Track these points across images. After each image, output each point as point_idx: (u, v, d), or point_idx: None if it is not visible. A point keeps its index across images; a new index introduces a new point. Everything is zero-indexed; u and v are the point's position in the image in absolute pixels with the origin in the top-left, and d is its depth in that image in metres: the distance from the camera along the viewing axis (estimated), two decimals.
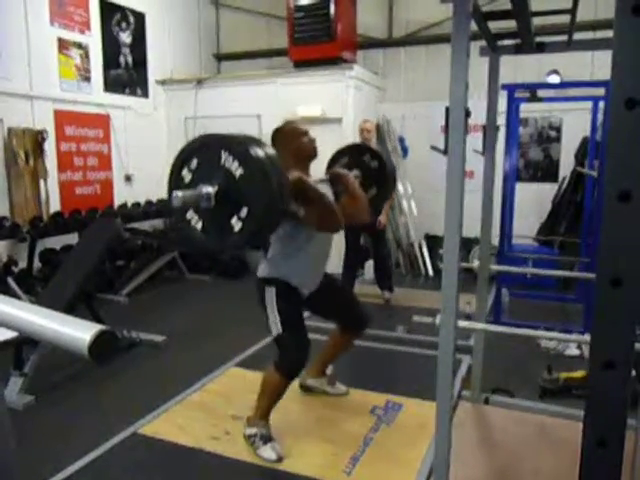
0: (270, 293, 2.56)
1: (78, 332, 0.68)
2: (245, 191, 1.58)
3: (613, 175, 0.70)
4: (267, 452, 2.56)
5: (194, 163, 1.64)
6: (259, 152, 1.64)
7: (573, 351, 3.82)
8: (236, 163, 1.58)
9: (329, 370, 3.17)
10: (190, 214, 1.67)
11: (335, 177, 2.71)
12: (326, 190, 2.58)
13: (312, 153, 2.61)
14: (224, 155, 1.59)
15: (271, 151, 1.75)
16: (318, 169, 2.80)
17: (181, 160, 1.67)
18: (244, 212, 1.59)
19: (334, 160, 3.05)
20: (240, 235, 1.61)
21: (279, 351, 2.57)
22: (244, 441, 2.68)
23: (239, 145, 1.60)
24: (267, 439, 2.59)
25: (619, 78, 0.66)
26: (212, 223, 1.64)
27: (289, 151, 2.53)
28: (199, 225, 1.66)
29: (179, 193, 1.52)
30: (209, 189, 1.56)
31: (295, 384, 3.01)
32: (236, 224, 1.60)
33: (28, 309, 0.76)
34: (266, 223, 1.67)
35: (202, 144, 1.68)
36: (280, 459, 2.53)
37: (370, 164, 2.99)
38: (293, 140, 2.57)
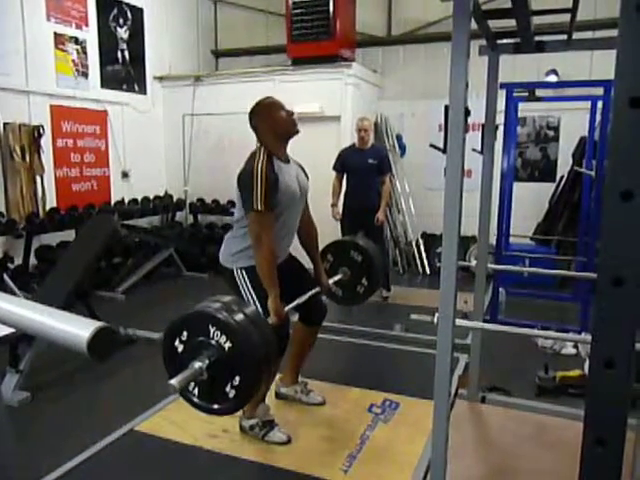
0: (243, 277, 2.52)
1: (77, 329, 0.68)
2: (235, 362, 1.69)
3: (615, 174, 0.70)
4: (276, 436, 2.64)
5: (185, 335, 1.74)
6: (244, 322, 1.73)
7: (570, 350, 3.83)
8: (224, 337, 1.68)
9: (300, 378, 3.11)
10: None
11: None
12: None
13: (291, 128, 2.54)
14: (212, 329, 1.69)
15: (254, 314, 1.83)
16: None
17: (173, 333, 1.76)
18: (237, 380, 1.70)
19: (323, 255, 3.07)
20: (235, 400, 1.73)
21: None
22: (242, 437, 2.68)
23: (225, 322, 1.70)
24: (270, 424, 2.66)
25: (623, 76, 0.66)
26: (208, 390, 1.75)
27: (267, 126, 2.50)
28: (196, 391, 1.76)
29: (174, 382, 1.61)
30: (200, 364, 1.66)
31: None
32: (230, 392, 1.71)
33: (27, 306, 0.76)
34: (258, 387, 1.79)
35: (191, 319, 1.77)
36: (289, 439, 2.63)
37: (357, 258, 3.09)
38: (270, 114, 2.51)
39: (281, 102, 2.58)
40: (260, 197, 2.35)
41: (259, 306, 2.42)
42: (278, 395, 3.09)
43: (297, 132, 2.57)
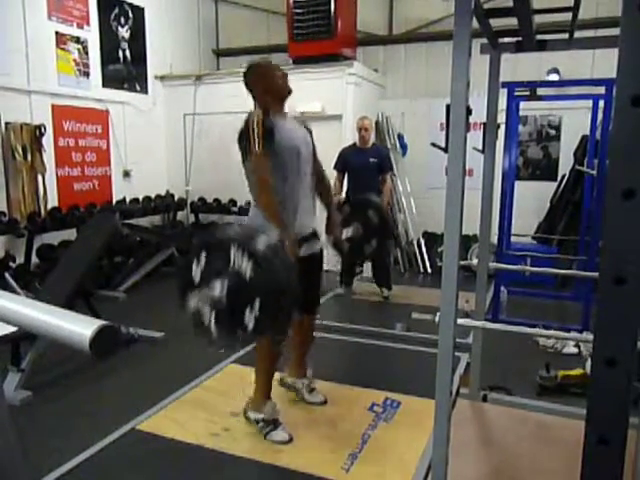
0: None
1: (80, 328, 0.68)
2: (256, 289, 1.61)
3: (617, 173, 0.70)
4: (278, 435, 2.64)
5: (203, 261, 1.66)
6: (266, 249, 1.66)
7: (571, 349, 3.83)
8: (246, 261, 1.61)
9: (309, 373, 3.12)
10: (203, 309, 1.69)
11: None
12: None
13: (284, 90, 2.63)
14: (233, 252, 1.62)
15: (274, 242, 1.77)
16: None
17: (190, 257, 1.69)
18: (256, 308, 1.62)
19: (342, 206, 3.08)
20: (254, 329, 1.65)
21: None
22: (243, 436, 2.68)
23: (248, 244, 1.63)
24: (275, 423, 2.66)
25: (625, 75, 0.66)
26: (225, 319, 1.67)
27: (262, 88, 2.60)
28: (212, 319, 1.69)
29: (192, 301, 1.57)
30: (220, 289, 1.59)
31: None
32: (249, 320, 1.63)
33: (29, 304, 0.76)
34: (278, 318, 1.71)
35: (211, 242, 1.70)
36: (291, 439, 2.63)
37: (373, 219, 3.02)
38: (266, 77, 2.61)
39: (274, 64, 2.69)
40: (257, 141, 2.40)
41: None
42: (283, 383, 3.11)
43: (290, 93, 2.65)
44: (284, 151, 2.50)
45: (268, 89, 2.59)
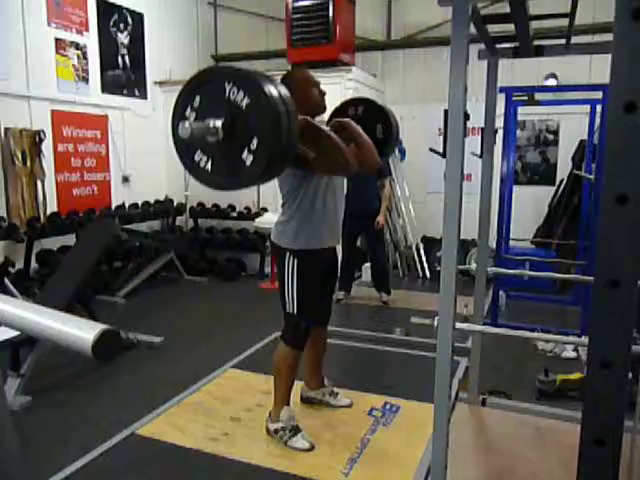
0: (291, 263, 2.52)
1: (82, 332, 0.69)
2: (253, 121, 1.55)
3: (611, 178, 0.71)
4: (299, 442, 2.59)
5: (197, 101, 1.61)
6: (263, 81, 1.61)
7: (570, 353, 3.84)
8: (241, 93, 1.55)
9: (327, 382, 3.13)
10: (198, 155, 1.63)
11: (338, 126, 2.55)
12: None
13: (320, 106, 2.51)
14: (228, 87, 1.56)
15: (276, 81, 1.71)
16: None
17: (183, 99, 1.64)
18: (254, 143, 1.55)
19: (336, 114, 2.86)
20: (253, 168, 1.58)
21: (285, 322, 2.60)
22: (242, 441, 2.68)
23: (243, 75, 1.57)
24: (295, 430, 2.62)
25: (618, 82, 0.67)
26: (222, 160, 1.61)
27: (297, 99, 2.33)
28: (209, 165, 1.63)
29: (186, 123, 1.51)
30: (216, 122, 1.53)
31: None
32: (247, 158, 1.56)
33: (32, 309, 0.76)
34: (279, 152, 1.63)
35: (204, 80, 1.64)
36: (313, 447, 2.58)
37: (378, 134, 2.78)
38: (304, 88, 2.44)
39: (314, 77, 2.52)
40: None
41: (295, 298, 2.50)
42: (303, 399, 3.08)
43: (324, 111, 2.55)
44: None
45: (300, 102, 2.31)
